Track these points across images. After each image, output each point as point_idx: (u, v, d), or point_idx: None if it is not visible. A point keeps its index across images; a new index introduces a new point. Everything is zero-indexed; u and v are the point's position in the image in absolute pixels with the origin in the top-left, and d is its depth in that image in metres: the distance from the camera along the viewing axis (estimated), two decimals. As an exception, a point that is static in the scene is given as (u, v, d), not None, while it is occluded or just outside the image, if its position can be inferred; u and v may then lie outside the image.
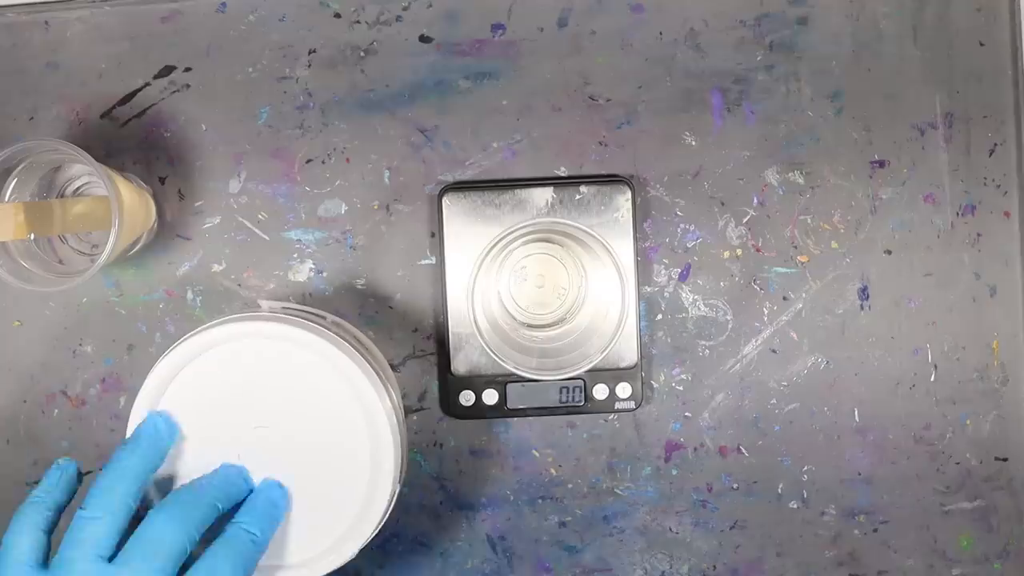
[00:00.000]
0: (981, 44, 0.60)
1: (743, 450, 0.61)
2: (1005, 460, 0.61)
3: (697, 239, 0.60)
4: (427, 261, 0.60)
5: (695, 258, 0.60)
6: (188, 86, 0.59)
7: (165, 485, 0.48)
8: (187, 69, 0.59)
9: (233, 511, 0.46)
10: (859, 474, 0.61)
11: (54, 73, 0.59)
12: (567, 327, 0.58)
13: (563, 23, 0.59)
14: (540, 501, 0.61)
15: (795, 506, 0.61)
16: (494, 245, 0.53)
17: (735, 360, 0.60)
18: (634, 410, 0.59)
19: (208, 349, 0.48)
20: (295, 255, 0.59)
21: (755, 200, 0.60)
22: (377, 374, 0.49)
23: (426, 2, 0.59)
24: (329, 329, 0.50)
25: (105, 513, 0.43)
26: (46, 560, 0.43)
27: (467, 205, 0.58)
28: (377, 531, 0.49)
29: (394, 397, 0.51)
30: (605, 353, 0.53)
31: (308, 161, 0.59)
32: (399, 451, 0.49)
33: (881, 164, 0.60)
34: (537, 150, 0.59)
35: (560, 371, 0.54)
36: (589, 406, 0.59)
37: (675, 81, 0.59)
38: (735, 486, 0.61)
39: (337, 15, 0.59)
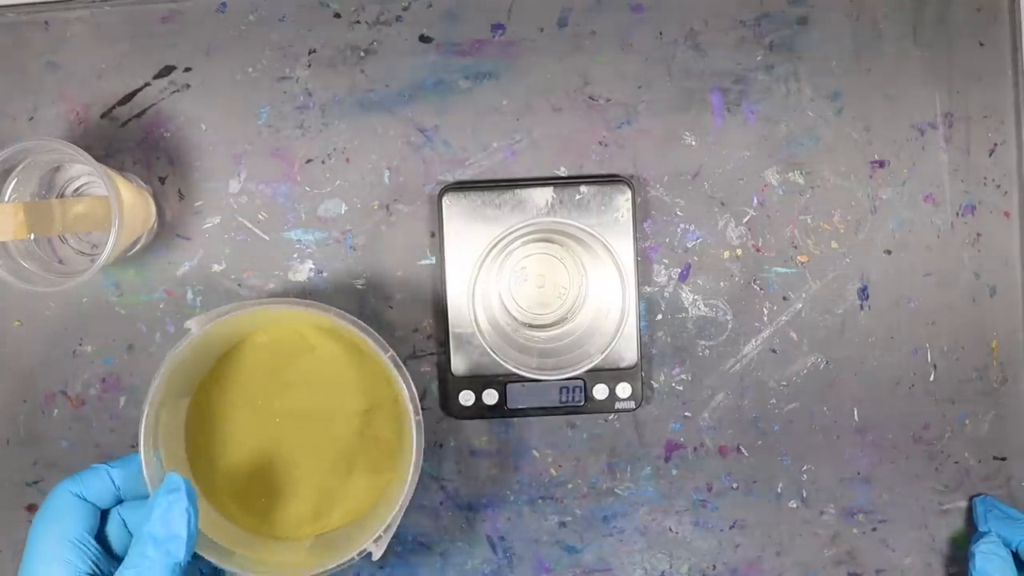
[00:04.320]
0: (981, 44, 0.60)
1: (743, 450, 0.61)
2: (1004, 459, 0.61)
3: (697, 239, 0.60)
4: (427, 261, 0.60)
5: (695, 258, 0.60)
6: (188, 86, 0.59)
7: None
8: (187, 69, 0.59)
9: None
10: (858, 473, 0.61)
11: (54, 73, 0.59)
12: (567, 327, 0.58)
13: (563, 23, 0.59)
14: (540, 501, 0.61)
15: (794, 505, 0.61)
16: (494, 245, 0.53)
17: (735, 360, 0.60)
18: (634, 410, 0.60)
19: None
20: (295, 255, 0.59)
21: (755, 200, 0.60)
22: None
23: (426, 2, 0.59)
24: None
25: None
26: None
27: (467, 205, 0.58)
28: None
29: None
30: (605, 353, 0.53)
31: (308, 161, 0.59)
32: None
33: (881, 164, 0.60)
34: (537, 150, 0.59)
35: (560, 371, 0.54)
36: (589, 406, 0.59)
37: (675, 81, 0.59)
38: (735, 486, 0.61)
39: (337, 15, 0.59)
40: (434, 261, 0.59)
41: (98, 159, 0.51)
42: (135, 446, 0.59)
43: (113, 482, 0.49)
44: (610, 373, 0.59)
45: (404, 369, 0.51)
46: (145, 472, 0.48)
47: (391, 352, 0.51)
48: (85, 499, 0.48)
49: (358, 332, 0.51)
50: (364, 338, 0.51)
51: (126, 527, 0.49)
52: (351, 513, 0.55)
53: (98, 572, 0.46)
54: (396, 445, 0.55)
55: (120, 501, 0.49)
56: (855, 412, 0.61)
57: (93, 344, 0.59)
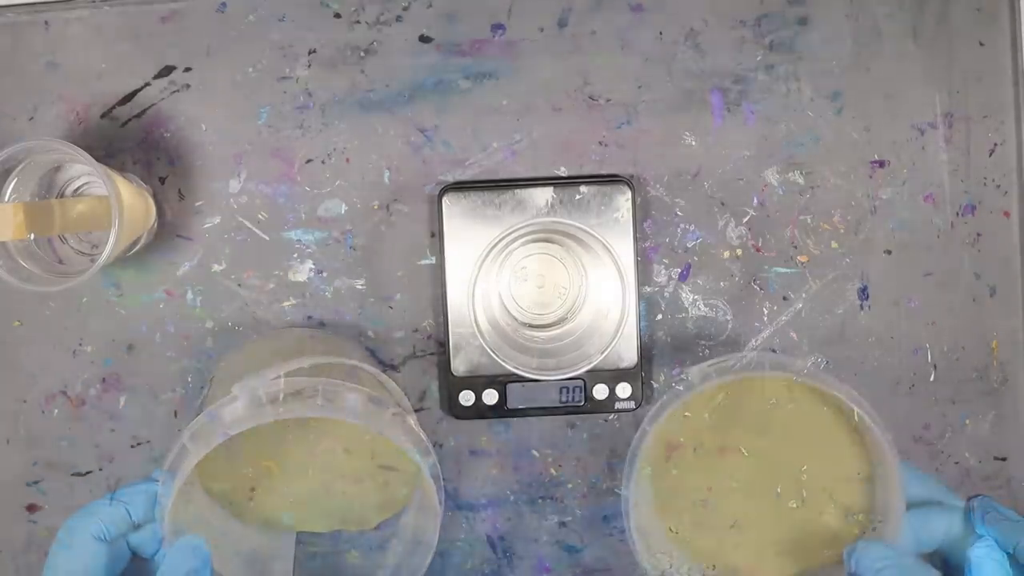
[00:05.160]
0: (981, 44, 0.60)
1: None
2: (1004, 460, 0.61)
3: (697, 239, 0.60)
4: (427, 261, 0.60)
5: (695, 258, 0.60)
6: (188, 86, 0.59)
7: None
8: (187, 69, 0.59)
9: None
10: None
11: (54, 73, 0.59)
12: (567, 327, 0.58)
13: (563, 23, 0.59)
14: (540, 501, 0.61)
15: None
16: (494, 245, 0.53)
17: (735, 360, 0.60)
18: (634, 410, 0.60)
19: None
20: (295, 255, 0.59)
21: (755, 200, 0.60)
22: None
23: (426, 2, 0.59)
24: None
25: None
26: None
27: (467, 205, 0.58)
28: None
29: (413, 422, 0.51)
30: (605, 353, 0.53)
31: (308, 161, 0.59)
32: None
33: (881, 164, 0.60)
34: (537, 150, 0.59)
35: (560, 371, 0.54)
36: (589, 406, 0.59)
37: (675, 81, 0.59)
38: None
39: (337, 15, 0.59)
40: (434, 261, 0.59)
41: (98, 159, 0.51)
42: (135, 446, 0.60)
43: (130, 516, 0.47)
44: (610, 373, 0.59)
45: (441, 480, 0.49)
46: (166, 529, 0.46)
47: (433, 459, 0.49)
48: (106, 540, 0.47)
49: (428, 482, 0.49)
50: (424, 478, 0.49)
51: (127, 544, 0.49)
52: (331, 525, 0.56)
53: None
54: (401, 504, 0.55)
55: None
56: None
57: (93, 344, 0.59)
